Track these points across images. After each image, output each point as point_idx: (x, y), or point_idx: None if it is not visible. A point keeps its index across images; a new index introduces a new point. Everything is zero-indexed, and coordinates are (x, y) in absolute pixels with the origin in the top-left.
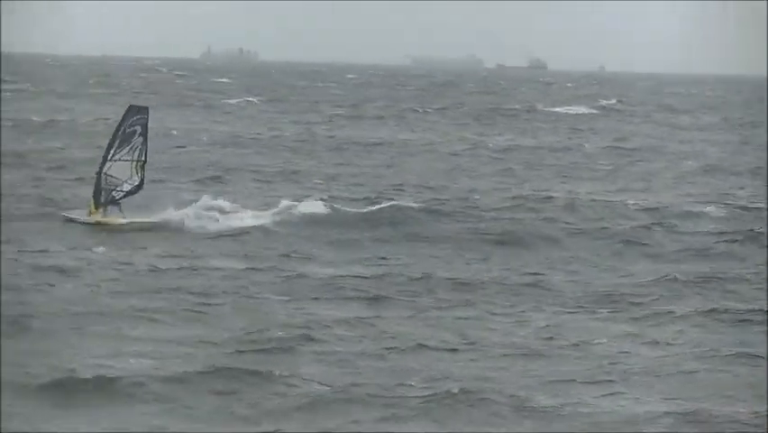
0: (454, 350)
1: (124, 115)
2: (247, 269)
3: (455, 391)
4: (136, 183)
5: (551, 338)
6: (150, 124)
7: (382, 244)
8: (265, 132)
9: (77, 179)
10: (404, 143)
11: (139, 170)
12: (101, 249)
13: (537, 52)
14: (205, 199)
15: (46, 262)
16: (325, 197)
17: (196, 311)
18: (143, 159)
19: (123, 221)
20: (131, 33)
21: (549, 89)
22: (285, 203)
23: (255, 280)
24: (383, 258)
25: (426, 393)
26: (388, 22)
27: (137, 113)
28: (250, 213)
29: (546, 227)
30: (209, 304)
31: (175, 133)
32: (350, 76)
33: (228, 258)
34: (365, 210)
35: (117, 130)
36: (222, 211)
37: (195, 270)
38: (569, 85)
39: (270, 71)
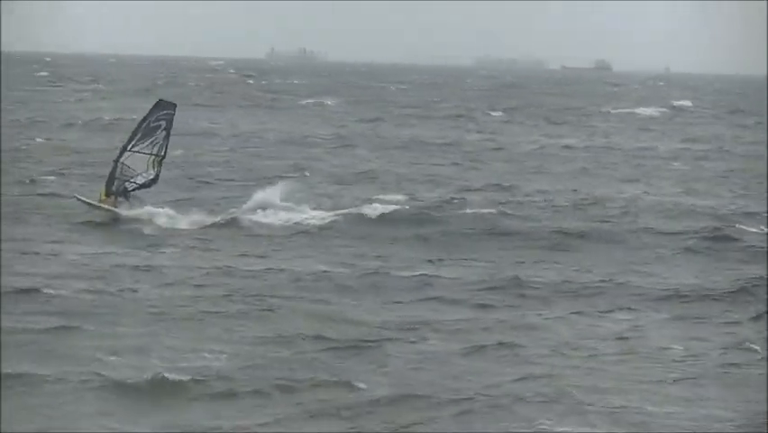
0: (532, 349)
1: (152, 108)
2: (321, 269)
3: (534, 389)
4: (151, 177)
5: (628, 339)
6: (221, 125)
7: (456, 244)
8: (336, 132)
9: None
10: (474, 143)
11: (156, 165)
12: (173, 249)
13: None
14: (278, 199)
15: (121, 261)
16: (398, 197)
17: (270, 310)
18: (162, 154)
19: (129, 212)
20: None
21: (617, 90)
22: (357, 202)
23: (329, 280)
24: (456, 258)
25: (504, 392)
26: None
27: (164, 108)
28: (322, 212)
29: (620, 228)
30: (284, 304)
31: (246, 133)
32: (415, 76)
33: (301, 257)
34: (438, 210)
35: (142, 122)
36: (293, 210)
37: (269, 269)
38: (636, 86)
39: (337, 71)
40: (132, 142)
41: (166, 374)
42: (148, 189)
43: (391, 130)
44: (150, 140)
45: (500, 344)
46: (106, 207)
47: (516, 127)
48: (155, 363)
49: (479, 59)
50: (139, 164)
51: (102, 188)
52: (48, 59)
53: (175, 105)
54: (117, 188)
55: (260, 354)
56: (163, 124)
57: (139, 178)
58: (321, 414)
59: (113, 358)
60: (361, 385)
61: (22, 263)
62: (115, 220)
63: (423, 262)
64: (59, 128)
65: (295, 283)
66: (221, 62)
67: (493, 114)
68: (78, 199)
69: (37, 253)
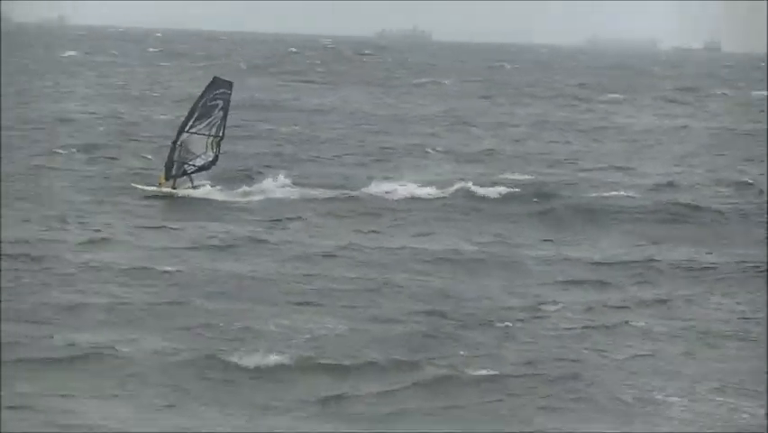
0: (657, 327)
1: (207, 86)
2: (442, 247)
3: (656, 367)
4: (210, 159)
5: (751, 319)
6: (337, 102)
7: (576, 223)
8: (452, 110)
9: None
10: (589, 123)
11: (214, 147)
12: (292, 225)
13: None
14: (397, 176)
15: (239, 236)
16: (517, 176)
17: (390, 286)
18: (221, 135)
19: (193, 192)
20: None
21: (729, 71)
22: (476, 181)
23: (450, 257)
24: (577, 238)
25: (627, 370)
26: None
27: (220, 87)
28: (440, 190)
29: (745, 207)
30: (404, 281)
31: (363, 110)
32: (529, 56)
33: (421, 235)
34: (557, 189)
35: (198, 101)
36: (412, 187)
37: (388, 246)
38: (748, 67)
39: (447, 50)
40: (190, 123)
41: (283, 349)
42: (268, 165)
43: (507, 109)
44: (208, 120)
45: (625, 323)
46: (166, 190)
47: (630, 107)
48: (273, 338)
49: (590, 40)
50: (197, 146)
51: (162, 172)
52: (158, 34)
53: (231, 84)
54: (177, 171)
55: (381, 331)
56: (220, 103)
57: (198, 160)
58: (441, 390)
59: (230, 333)
60: (482, 363)
61: (136, 238)
62: (230, 197)
63: (544, 241)
64: (173, 104)
65: (415, 260)
66: (329, 40)
67: (608, 94)
68: (138, 189)
69: (157, 228)
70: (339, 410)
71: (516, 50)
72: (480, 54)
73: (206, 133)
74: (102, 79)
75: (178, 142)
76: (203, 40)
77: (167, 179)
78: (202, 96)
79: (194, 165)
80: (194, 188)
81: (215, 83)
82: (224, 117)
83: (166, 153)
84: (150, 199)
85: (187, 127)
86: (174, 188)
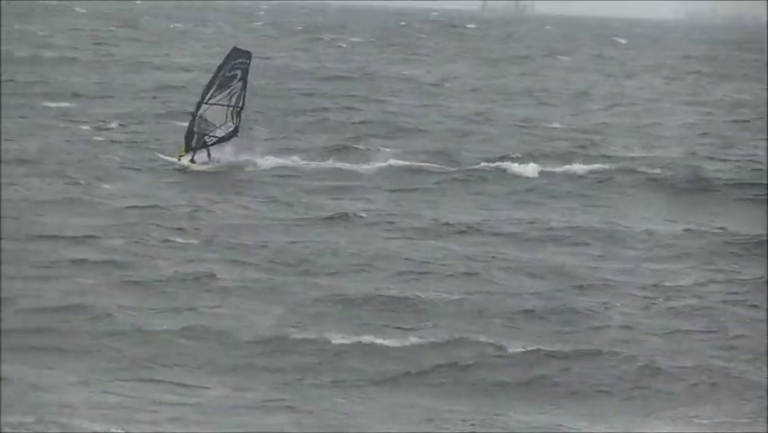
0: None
1: (226, 57)
2: (549, 222)
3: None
4: (230, 130)
5: None
6: (443, 75)
7: (689, 202)
8: (568, 84)
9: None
10: (702, 97)
11: (235, 117)
12: (404, 196)
13: None
14: (511, 151)
15: (342, 208)
16: (632, 153)
17: (497, 258)
18: (240, 105)
19: (210, 165)
20: None
21: None
22: (589, 156)
23: (553, 230)
24: (690, 217)
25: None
26: None
27: (239, 56)
28: (547, 166)
29: None
30: (507, 256)
31: (472, 84)
32: (639, 30)
33: (525, 210)
34: (672, 165)
35: (217, 72)
36: (522, 165)
37: (494, 221)
38: None
39: (552, 23)
40: (209, 94)
41: (390, 323)
42: (374, 135)
43: (619, 81)
44: (228, 90)
45: (733, 301)
46: (185, 162)
47: (739, 81)
48: (380, 310)
49: (687, 13)
50: (217, 116)
51: (181, 143)
52: (265, 6)
53: (249, 54)
54: (197, 143)
55: (502, 304)
56: (239, 73)
57: (218, 131)
58: (553, 366)
59: (340, 308)
60: (584, 338)
61: (245, 209)
62: (337, 166)
63: (661, 217)
64: (277, 74)
65: (529, 234)
66: (436, 13)
67: (714, 67)
68: (160, 158)
69: (265, 200)
70: (447, 383)
71: (614, 23)
72: (584, 27)
73: (226, 103)
74: (209, 50)
75: (198, 114)
76: (312, 12)
77: (186, 151)
78: (221, 67)
79: (214, 136)
80: (216, 162)
81: (234, 53)
82: (244, 87)
83: (271, 123)
84: (258, 169)
85: (206, 98)
86: (193, 161)
